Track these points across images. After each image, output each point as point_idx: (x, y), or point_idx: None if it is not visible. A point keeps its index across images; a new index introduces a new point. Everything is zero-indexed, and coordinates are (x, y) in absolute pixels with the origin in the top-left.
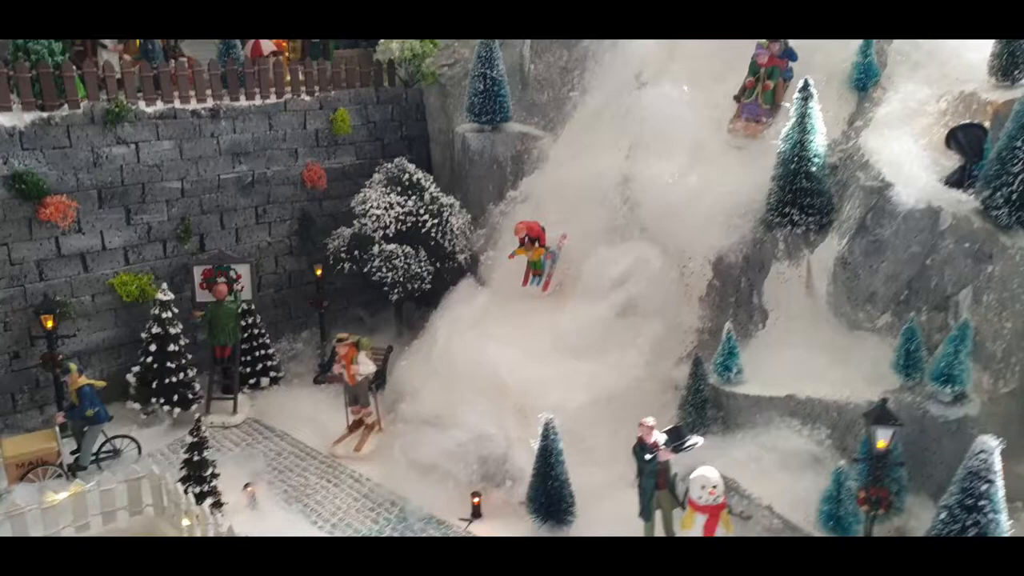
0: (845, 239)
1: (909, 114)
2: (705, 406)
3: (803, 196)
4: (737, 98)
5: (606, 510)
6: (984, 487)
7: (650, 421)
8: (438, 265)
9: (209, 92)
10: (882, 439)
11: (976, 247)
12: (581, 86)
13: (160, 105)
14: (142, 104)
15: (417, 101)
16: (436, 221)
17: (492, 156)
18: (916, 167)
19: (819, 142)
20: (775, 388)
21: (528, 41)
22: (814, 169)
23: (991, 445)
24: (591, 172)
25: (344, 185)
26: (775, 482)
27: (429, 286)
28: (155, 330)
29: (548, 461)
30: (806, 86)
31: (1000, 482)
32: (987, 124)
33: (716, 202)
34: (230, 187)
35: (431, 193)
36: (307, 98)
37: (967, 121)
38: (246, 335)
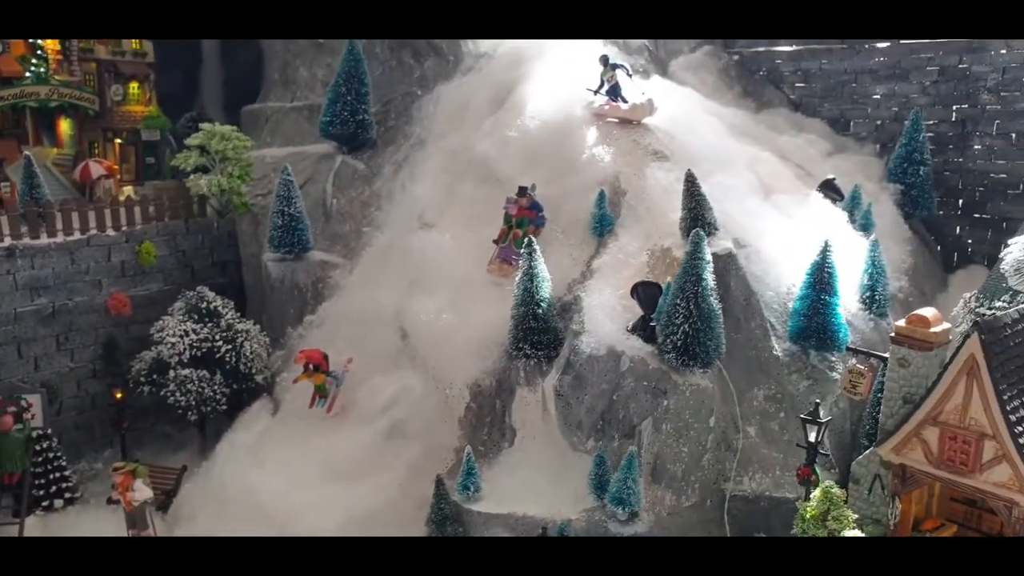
0: (559, 373)
1: (618, 265)
2: (446, 522)
3: (532, 334)
4: (496, 242)
5: None
6: None
7: None
8: (235, 386)
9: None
10: None
11: (653, 385)
12: (376, 222)
13: None
14: None
15: (229, 229)
16: (230, 347)
17: (293, 282)
18: (605, 316)
19: (545, 288)
20: (502, 506)
21: (331, 176)
22: (540, 311)
23: None
24: (376, 303)
25: (153, 310)
26: None
27: (224, 407)
28: None
29: None
30: (530, 243)
31: None
32: (670, 279)
33: (473, 334)
34: (28, 319)
35: (227, 320)
36: (112, 233)
37: (649, 276)
38: (40, 459)
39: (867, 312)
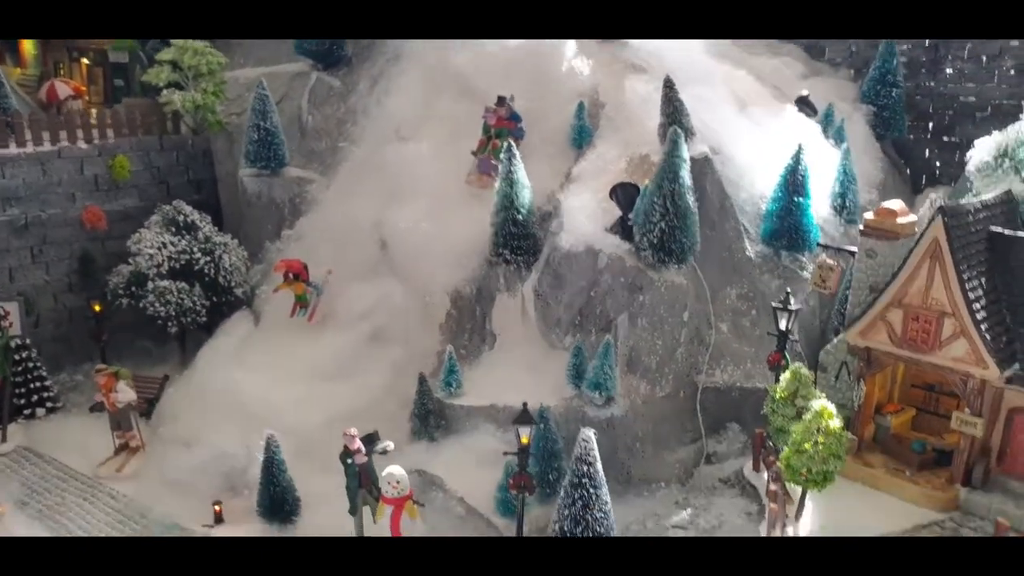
0: (538, 274)
1: (597, 171)
2: (429, 416)
3: (512, 239)
4: (474, 153)
5: (330, 510)
6: (586, 468)
7: (352, 431)
8: (215, 299)
9: None
10: (524, 436)
11: (629, 281)
12: (352, 137)
13: None
14: None
15: (204, 147)
16: (209, 259)
17: (270, 198)
18: (584, 216)
19: (525, 195)
20: (483, 399)
21: (307, 93)
22: (520, 217)
23: (590, 436)
24: (354, 216)
25: (129, 225)
26: (470, 477)
27: (204, 319)
28: None
29: (271, 471)
30: (509, 148)
31: (599, 464)
32: (647, 181)
33: (453, 243)
34: (1, 229)
35: (205, 233)
36: (84, 145)
37: (627, 180)
38: (20, 368)
39: (838, 218)
